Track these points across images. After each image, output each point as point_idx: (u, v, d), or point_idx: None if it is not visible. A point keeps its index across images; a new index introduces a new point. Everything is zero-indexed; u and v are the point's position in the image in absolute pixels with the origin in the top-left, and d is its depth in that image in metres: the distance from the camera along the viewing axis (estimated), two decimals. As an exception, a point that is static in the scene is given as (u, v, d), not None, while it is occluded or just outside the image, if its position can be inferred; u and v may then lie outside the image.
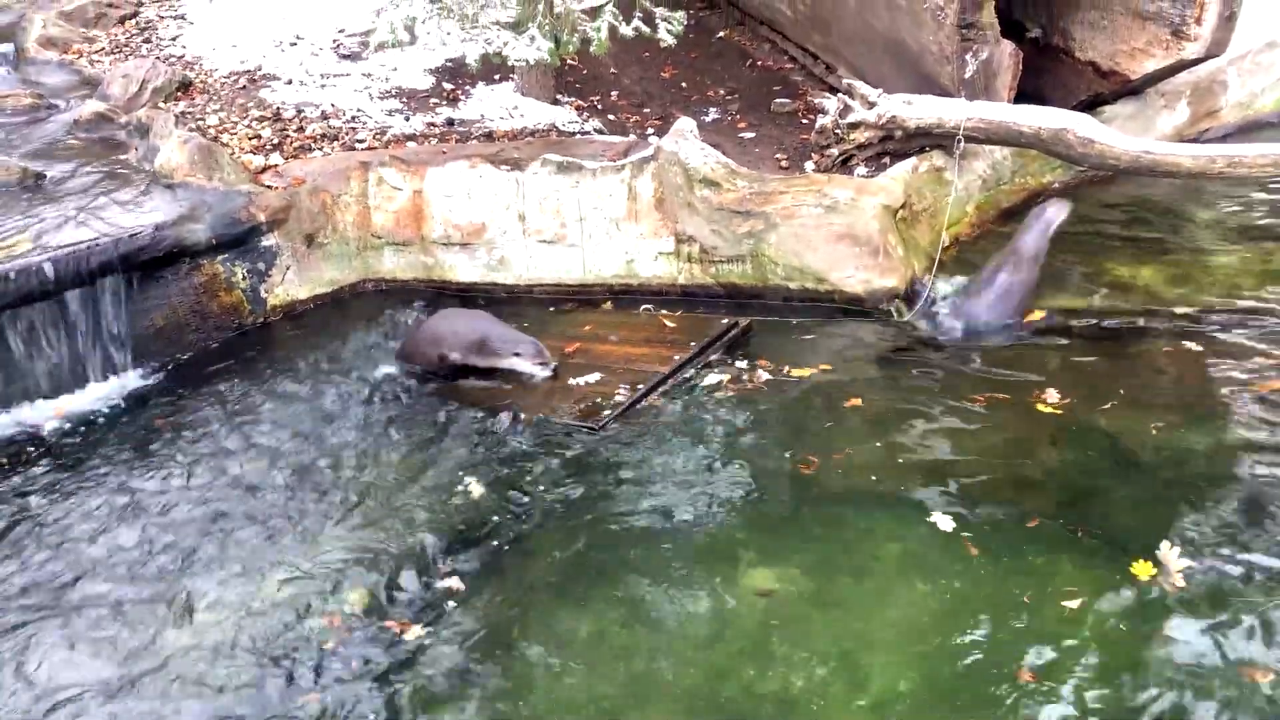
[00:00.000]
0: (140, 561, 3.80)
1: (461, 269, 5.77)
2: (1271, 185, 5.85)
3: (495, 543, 3.83)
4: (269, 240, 5.53)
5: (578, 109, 6.80)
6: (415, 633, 3.44)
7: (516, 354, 4.85)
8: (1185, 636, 3.19)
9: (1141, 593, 3.36)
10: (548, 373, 4.82)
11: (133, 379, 5.04)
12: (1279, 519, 3.62)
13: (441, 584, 3.64)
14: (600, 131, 6.46)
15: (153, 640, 3.46)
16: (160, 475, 4.28)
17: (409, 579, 3.67)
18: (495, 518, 3.96)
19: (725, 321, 5.11)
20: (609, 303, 5.59)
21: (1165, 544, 3.49)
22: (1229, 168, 5.23)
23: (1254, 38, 6.62)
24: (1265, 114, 6.84)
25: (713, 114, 6.80)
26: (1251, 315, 4.89)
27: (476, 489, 4.10)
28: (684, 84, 7.31)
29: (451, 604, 3.55)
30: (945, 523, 3.73)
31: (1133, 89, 6.32)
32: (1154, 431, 4.14)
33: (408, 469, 4.27)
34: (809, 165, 5.92)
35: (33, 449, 4.50)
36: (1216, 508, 3.71)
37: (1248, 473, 3.87)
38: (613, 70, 7.36)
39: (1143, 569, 3.43)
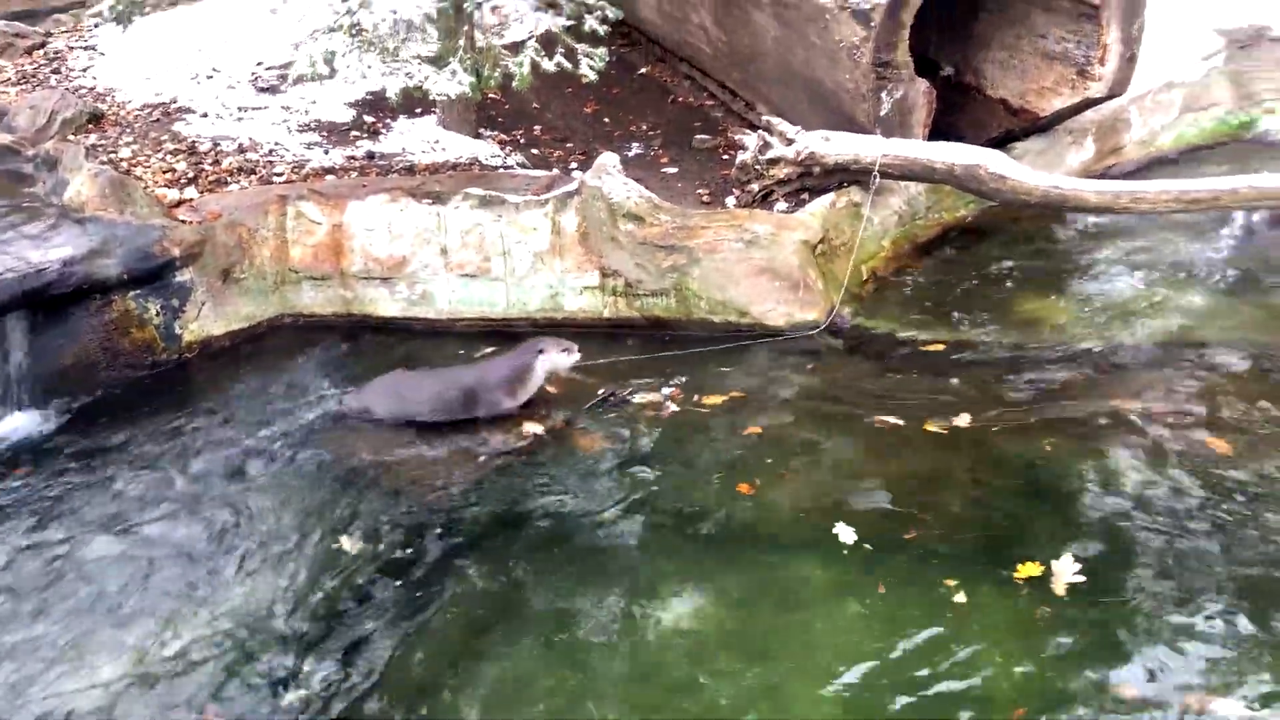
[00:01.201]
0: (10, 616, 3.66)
1: (382, 303, 5.71)
2: (1174, 220, 6.05)
3: (408, 587, 3.76)
4: (183, 275, 5.41)
5: (500, 143, 6.80)
6: (324, 676, 3.37)
7: (541, 350, 4.77)
8: (1071, 653, 3.28)
9: (1033, 607, 3.45)
10: (576, 354, 4.80)
11: (36, 418, 4.87)
12: (1169, 542, 3.74)
13: (350, 634, 3.55)
14: (524, 166, 6.47)
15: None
16: (51, 522, 4.13)
17: (310, 628, 3.58)
18: (406, 561, 3.89)
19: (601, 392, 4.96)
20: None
21: (1063, 558, 3.60)
22: (1132, 203, 5.44)
23: (1154, 78, 6.89)
24: (1165, 150, 7.10)
25: (635, 149, 6.85)
26: (1148, 346, 5.05)
27: (385, 534, 4.02)
28: (606, 119, 7.35)
29: (362, 651, 3.47)
30: (855, 550, 3.76)
31: (1042, 126, 6.53)
32: (1051, 451, 4.25)
33: (315, 513, 4.17)
34: (730, 200, 5.99)
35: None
36: (1108, 526, 3.84)
37: (1138, 493, 4.00)
38: (535, 105, 7.38)
39: (1029, 569, 3.58)
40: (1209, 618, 3.38)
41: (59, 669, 3.46)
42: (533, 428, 4.66)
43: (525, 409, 4.78)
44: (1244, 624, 3.35)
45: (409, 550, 3.95)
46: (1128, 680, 3.18)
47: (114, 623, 3.66)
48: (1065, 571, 3.56)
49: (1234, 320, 5.18)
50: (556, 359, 4.78)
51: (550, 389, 4.91)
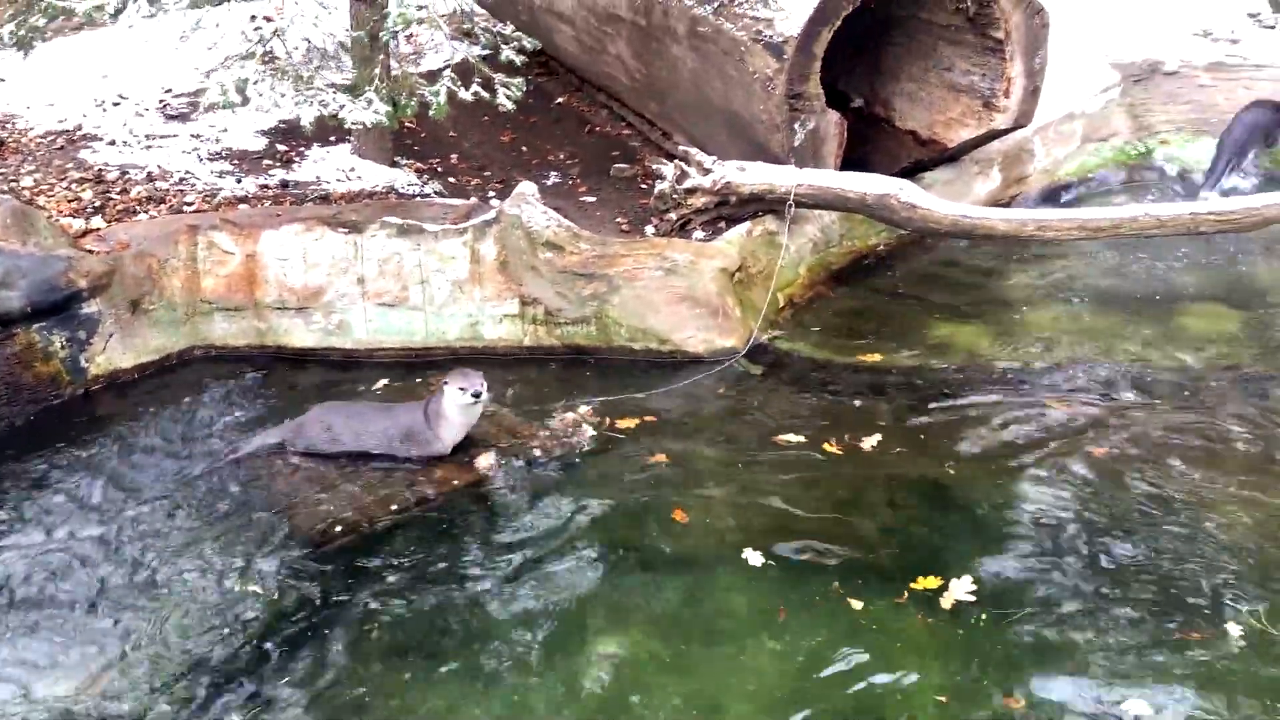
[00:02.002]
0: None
1: (298, 334, 5.62)
2: (1079, 248, 6.25)
3: (329, 625, 3.70)
4: (90, 307, 5.26)
5: (417, 171, 6.77)
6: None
7: (446, 383, 4.57)
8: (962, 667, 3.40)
9: (927, 622, 3.57)
10: (477, 384, 4.52)
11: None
12: (1063, 561, 3.88)
13: (269, 675, 3.48)
14: (441, 194, 6.44)
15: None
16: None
17: (231, 669, 3.51)
18: (325, 598, 3.83)
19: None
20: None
21: (961, 578, 3.73)
22: (1038, 231, 5.61)
23: (1055, 109, 7.12)
24: (1067, 179, 7.33)
25: (553, 178, 6.87)
26: (1060, 369, 5.19)
27: (300, 571, 3.96)
28: (524, 148, 7.37)
29: (285, 691, 3.40)
30: (763, 571, 3.84)
31: (950, 156, 6.70)
32: (955, 472, 4.40)
33: (226, 551, 4.08)
34: (649, 229, 6.04)
35: None
36: (1005, 546, 3.98)
37: (1038, 513, 4.14)
38: (452, 134, 7.36)
39: (926, 583, 3.71)
40: (1101, 631, 3.53)
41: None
42: (480, 462, 4.61)
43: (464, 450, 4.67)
44: (1129, 638, 3.50)
45: (318, 589, 3.88)
46: (1016, 692, 3.31)
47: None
48: (959, 589, 3.69)
49: (1137, 342, 5.36)
50: (452, 393, 4.54)
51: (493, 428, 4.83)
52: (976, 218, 5.66)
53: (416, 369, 5.49)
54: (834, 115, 5.96)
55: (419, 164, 6.90)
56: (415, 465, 4.60)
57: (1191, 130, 7.40)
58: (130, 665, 3.54)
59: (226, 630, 3.69)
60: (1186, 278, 6.00)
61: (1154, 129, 7.45)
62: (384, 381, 5.33)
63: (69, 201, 6.03)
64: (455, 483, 4.49)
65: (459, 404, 4.54)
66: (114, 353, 5.34)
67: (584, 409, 4.96)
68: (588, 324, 5.48)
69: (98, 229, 5.69)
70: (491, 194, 6.46)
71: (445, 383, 4.59)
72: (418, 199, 6.29)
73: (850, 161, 6.11)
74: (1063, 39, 6.65)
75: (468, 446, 4.67)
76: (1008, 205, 6.77)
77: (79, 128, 7.09)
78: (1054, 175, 7.27)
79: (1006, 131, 6.51)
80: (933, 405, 4.92)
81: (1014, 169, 7.07)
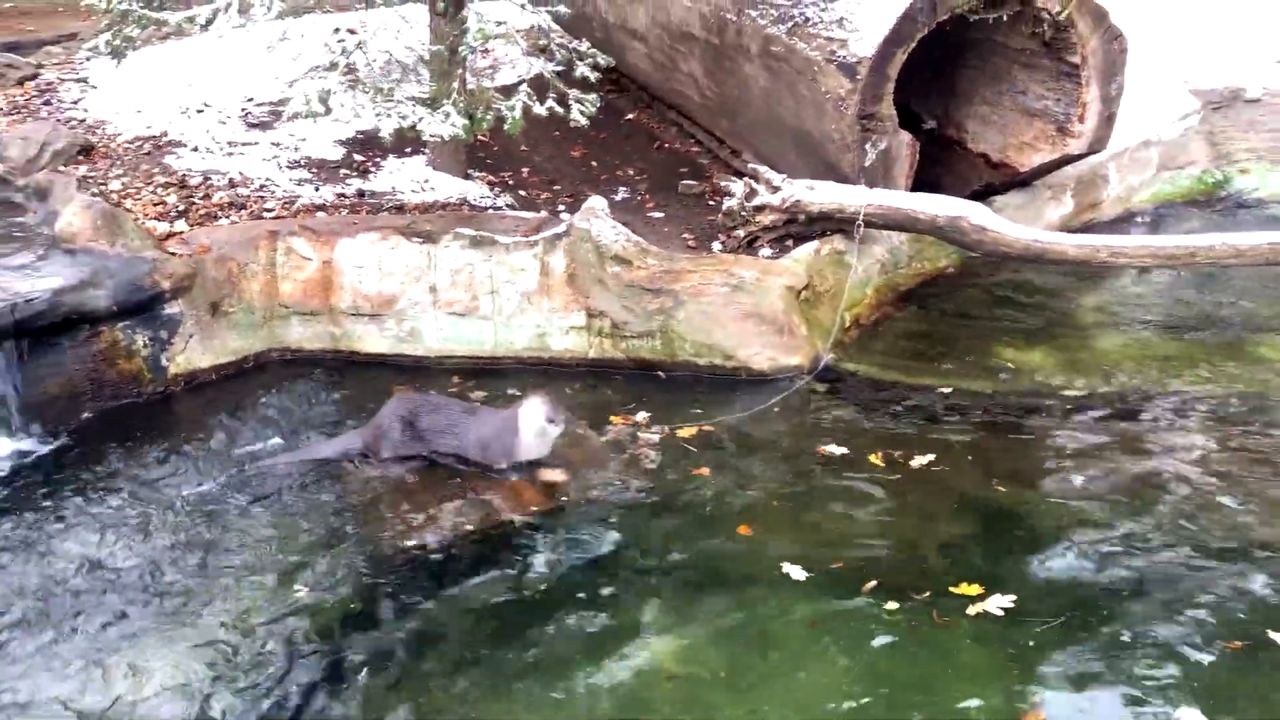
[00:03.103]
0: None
1: (370, 340, 5.74)
2: (1152, 276, 6.18)
3: (394, 631, 3.75)
4: (172, 308, 5.42)
5: (489, 184, 6.87)
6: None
7: (527, 403, 4.60)
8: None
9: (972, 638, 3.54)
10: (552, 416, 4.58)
11: (20, 447, 4.85)
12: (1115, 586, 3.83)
13: (336, 671, 3.54)
14: (512, 207, 6.54)
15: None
16: (21, 554, 4.12)
17: (295, 671, 3.56)
18: (392, 605, 3.89)
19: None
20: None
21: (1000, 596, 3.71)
22: (1111, 258, 5.55)
23: (1132, 136, 7.05)
24: (1142, 206, 7.26)
25: (622, 193, 6.94)
26: (1127, 396, 5.14)
27: (372, 577, 4.01)
28: (594, 163, 7.45)
29: (350, 694, 3.47)
30: (824, 589, 3.83)
31: (1022, 180, 6.67)
32: (1007, 493, 4.38)
33: (296, 552, 4.16)
34: (716, 245, 6.07)
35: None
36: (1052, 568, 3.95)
37: (1091, 534, 4.11)
38: (524, 148, 7.47)
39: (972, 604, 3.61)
40: (1150, 654, 3.47)
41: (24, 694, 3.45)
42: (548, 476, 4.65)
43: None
44: (1180, 662, 3.43)
45: (377, 595, 3.93)
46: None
47: (75, 654, 3.64)
48: (1013, 608, 3.66)
49: (1206, 371, 5.28)
50: (533, 418, 4.56)
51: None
52: (1048, 242, 5.62)
53: (482, 377, 5.58)
54: (906, 136, 5.96)
55: (491, 177, 7.01)
56: (486, 472, 4.65)
57: (1272, 159, 7.30)
58: (191, 662, 3.61)
59: (288, 636, 3.74)
60: (1264, 309, 5.90)
61: (1233, 157, 7.35)
62: (452, 388, 5.41)
63: (154, 205, 6.22)
64: (525, 495, 4.54)
65: (536, 428, 4.59)
66: (193, 353, 5.50)
67: (647, 421, 5.01)
68: (653, 338, 5.53)
69: (181, 232, 5.86)
70: (561, 208, 6.54)
71: (526, 401, 4.62)
72: (490, 211, 6.39)
73: (921, 183, 6.10)
74: (1141, 64, 6.59)
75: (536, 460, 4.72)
76: (1080, 231, 6.70)
77: (165, 134, 7.30)
78: (1128, 202, 7.20)
79: (1080, 157, 6.46)
80: (996, 429, 4.89)
81: (1087, 195, 7.01)
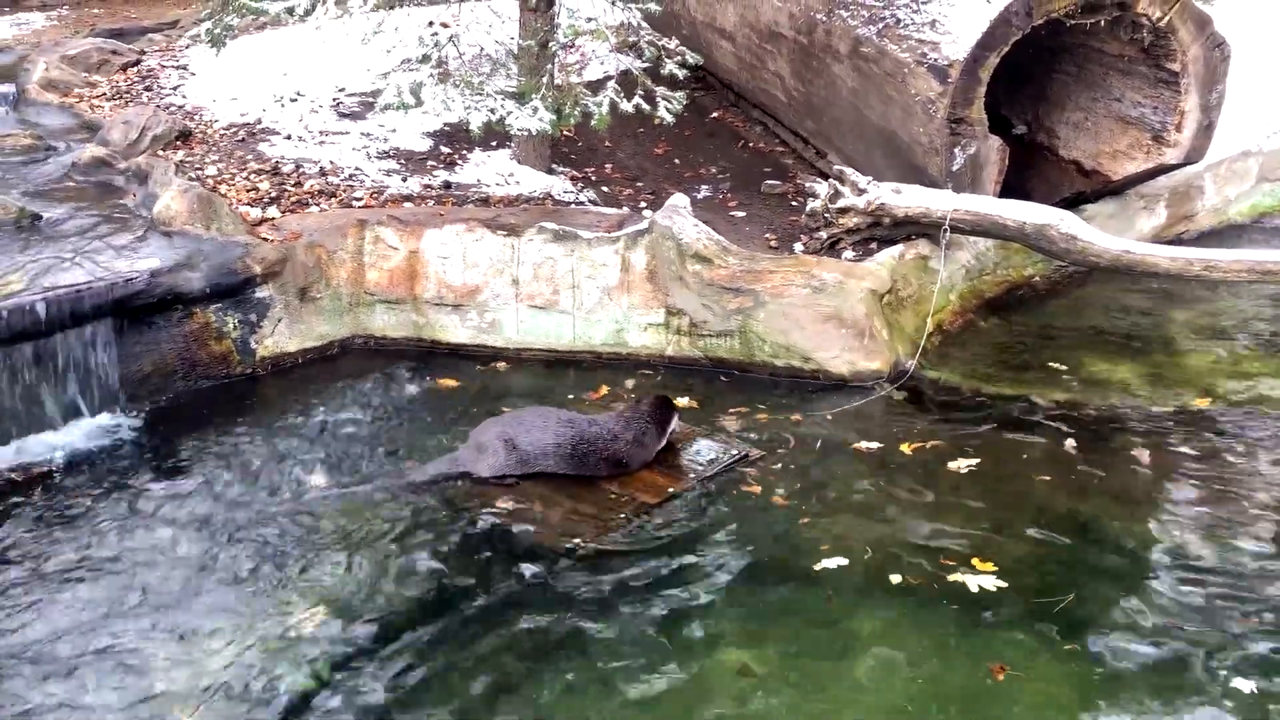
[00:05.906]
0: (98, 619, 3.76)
1: (452, 330, 5.82)
2: (1247, 291, 6.00)
3: (466, 617, 3.78)
4: (263, 292, 5.56)
5: (572, 179, 6.92)
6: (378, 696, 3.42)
7: (660, 412, 4.74)
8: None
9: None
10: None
11: (115, 422, 5.02)
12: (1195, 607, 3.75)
13: (403, 659, 3.59)
14: (595, 203, 6.58)
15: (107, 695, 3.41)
16: (118, 528, 4.23)
17: (363, 650, 3.62)
18: (463, 592, 3.91)
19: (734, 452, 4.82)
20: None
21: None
22: (1205, 271, 5.41)
23: (1230, 146, 6.86)
24: (1239, 219, 7.06)
25: (704, 191, 6.94)
26: (1217, 415, 5.01)
27: (444, 569, 4.03)
28: (676, 161, 7.46)
29: (416, 679, 3.51)
30: (903, 596, 3.81)
31: (1114, 189, 6.53)
32: (1097, 510, 4.29)
33: (377, 538, 4.20)
34: (798, 246, 6.04)
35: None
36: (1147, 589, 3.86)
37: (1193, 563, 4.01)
38: (607, 144, 7.51)
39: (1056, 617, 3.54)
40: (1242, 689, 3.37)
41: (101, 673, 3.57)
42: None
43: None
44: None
45: (453, 592, 3.94)
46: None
47: (150, 631, 3.73)
48: (1089, 622, 3.63)
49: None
50: (666, 425, 4.70)
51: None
52: (1139, 254, 5.49)
53: (557, 369, 5.64)
54: (995, 141, 5.88)
55: (574, 172, 7.06)
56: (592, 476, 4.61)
57: (1378, 174, 7.04)
58: (247, 640, 3.68)
59: (377, 625, 3.78)
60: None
61: (1337, 171, 7.11)
62: (530, 381, 5.45)
63: (247, 191, 6.38)
64: (659, 481, 4.56)
65: (673, 426, 4.72)
66: (281, 337, 5.63)
67: (730, 422, 5.00)
68: (731, 337, 5.52)
69: (273, 219, 6.01)
70: (643, 204, 6.56)
71: (658, 409, 4.70)
72: (573, 206, 6.44)
73: (1009, 189, 6.00)
74: (1242, 72, 6.40)
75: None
76: (1173, 243, 6.53)
77: (259, 121, 7.48)
78: (1224, 214, 7.02)
79: (1176, 167, 6.31)
80: (1080, 441, 4.79)
81: (1181, 206, 6.84)
